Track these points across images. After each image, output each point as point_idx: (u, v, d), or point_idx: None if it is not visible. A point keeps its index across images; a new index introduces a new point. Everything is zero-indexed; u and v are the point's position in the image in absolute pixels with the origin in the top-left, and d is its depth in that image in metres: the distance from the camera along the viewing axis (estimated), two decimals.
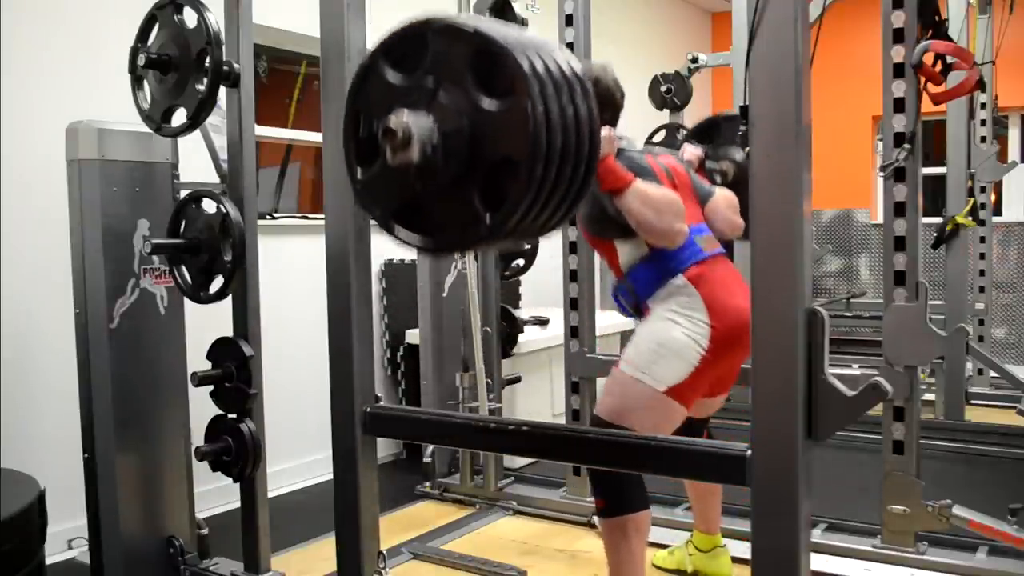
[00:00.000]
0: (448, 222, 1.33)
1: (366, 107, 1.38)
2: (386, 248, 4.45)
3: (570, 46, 3.36)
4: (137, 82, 2.50)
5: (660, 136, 5.16)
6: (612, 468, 2.13)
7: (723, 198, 2.51)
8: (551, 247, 3.56)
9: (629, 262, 2.32)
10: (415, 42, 1.32)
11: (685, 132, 3.08)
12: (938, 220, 4.40)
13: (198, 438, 2.64)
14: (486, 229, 1.28)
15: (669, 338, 2.20)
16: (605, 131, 2.11)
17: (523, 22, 3.47)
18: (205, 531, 2.83)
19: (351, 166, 1.41)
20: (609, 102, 2.35)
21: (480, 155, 1.26)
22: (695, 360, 2.18)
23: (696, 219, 2.39)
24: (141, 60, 2.43)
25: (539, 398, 4.22)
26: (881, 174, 2.82)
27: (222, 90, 2.45)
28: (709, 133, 2.92)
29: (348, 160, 1.41)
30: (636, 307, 2.36)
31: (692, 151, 2.67)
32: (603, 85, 2.34)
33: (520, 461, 3.81)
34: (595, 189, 2.19)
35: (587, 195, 2.19)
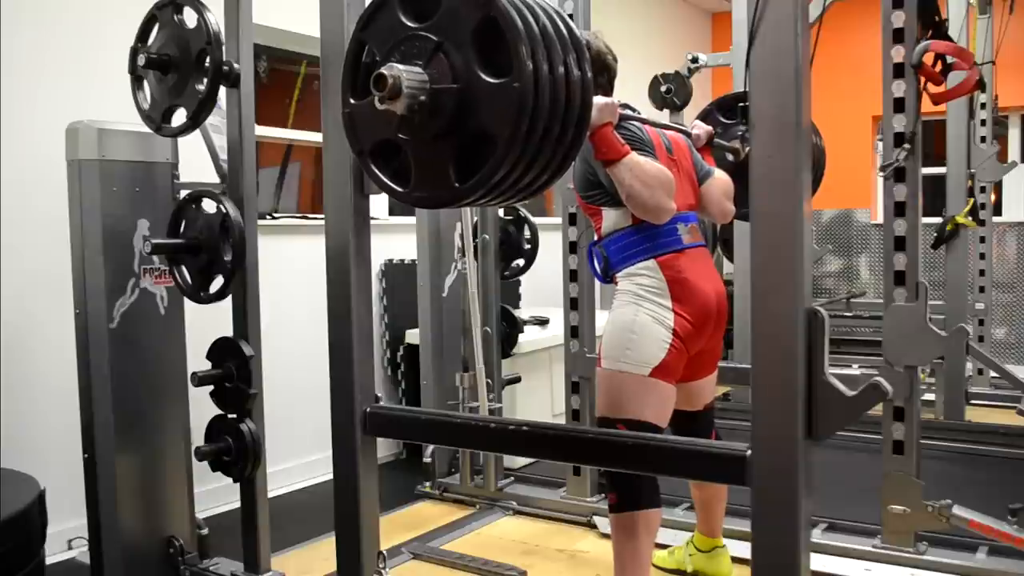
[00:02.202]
0: (420, 175, 1.36)
1: (371, 40, 1.39)
2: (386, 248, 4.48)
3: None
4: (137, 82, 2.50)
5: None
6: (611, 468, 2.13)
7: (719, 181, 2.51)
8: (551, 247, 3.56)
9: (611, 228, 2.34)
10: None
11: (716, 101, 3.05)
12: (938, 220, 4.40)
13: (198, 438, 2.64)
14: (453, 193, 1.31)
15: (636, 323, 2.24)
16: (605, 99, 2.12)
17: None
18: (205, 531, 2.83)
19: (345, 91, 1.42)
20: (603, 66, 2.38)
21: (463, 122, 1.28)
22: (666, 343, 2.22)
23: (688, 201, 2.39)
24: (141, 60, 2.43)
25: (539, 398, 4.22)
26: (881, 174, 2.82)
27: (222, 90, 2.45)
28: (735, 107, 2.91)
29: (343, 85, 1.43)
30: (606, 272, 2.38)
31: (702, 127, 2.65)
32: (594, 49, 2.36)
33: (520, 461, 3.81)
34: (590, 154, 2.20)
35: (582, 156, 2.22)
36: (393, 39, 1.35)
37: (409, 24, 1.34)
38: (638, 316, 2.24)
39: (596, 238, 2.41)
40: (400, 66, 1.28)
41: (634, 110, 2.39)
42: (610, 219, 2.34)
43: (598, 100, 2.04)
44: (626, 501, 2.25)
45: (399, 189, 1.40)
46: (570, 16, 3.35)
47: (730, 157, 2.74)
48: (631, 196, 2.19)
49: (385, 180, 1.40)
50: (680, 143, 2.49)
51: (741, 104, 2.79)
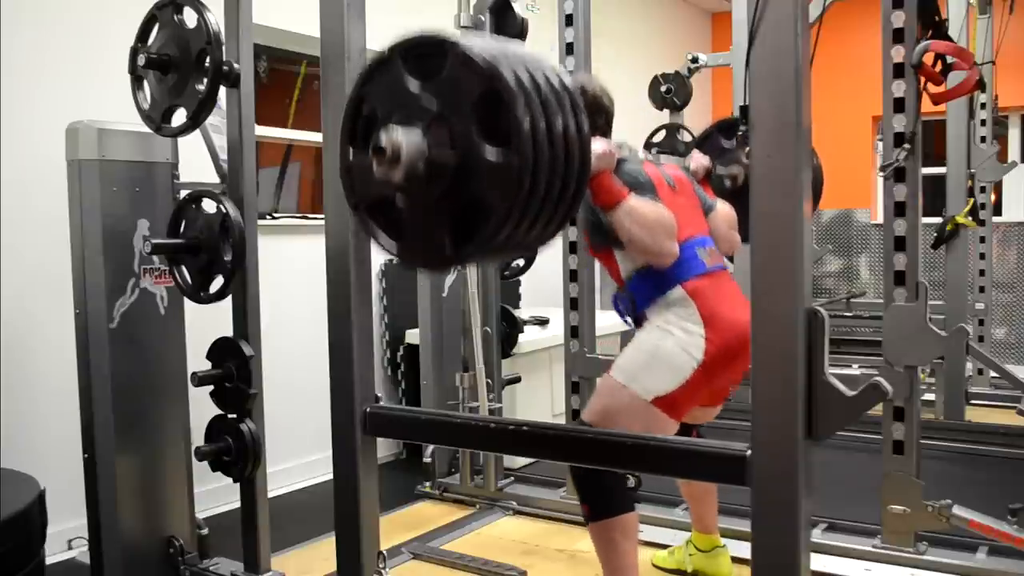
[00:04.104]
0: (416, 236, 1.35)
1: (372, 96, 1.38)
2: None
3: (570, 46, 3.37)
4: (137, 82, 2.50)
5: (660, 136, 5.16)
6: (611, 468, 2.13)
7: (722, 214, 2.51)
8: (551, 247, 3.55)
9: (629, 271, 2.32)
10: (434, 55, 1.31)
11: (693, 139, 3.06)
12: (938, 220, 4.40)
13: (198, 438, 2.64)
14: (448, 259, 1.30)
15: (662, 348, 2.19)
16: (604, 145, 2.12)
17: (523, 22, 3.47)
18: (205, 531, 2.83)
19: (343, 145, 1.41)
20: (599, 109, 2.38)
21: (460, 190, 1.27)
22: (687, 372, 2.17)
23: (700, 229, 2.38)
24: (141, 60, 2.43)
25: (539, 398, 4.22)
26: (881, 174, 2.82)
27: (222, 90, 2.45)
28: (737, 127, 2.91)
29: (342, 139, 1.42)
30: (634, 316, 2.35)
31: (699, 160, 2.66)
32: (590, 93, 2.36)
33: (520, 461, 3.81)
34: (592, 204, 2.20)
35: (587, 205, 2.21)
36: (394, 99, 1.32)
37: (410, 83, 1.32)
38: (663, 342, 2.20)
39: (617, 287, 2.39)
40: (400, 132, 1.26)
41: (631, 149, 2.40)
42: (626, 262, 2.32)
43: (595, 148, 2.04)
44: (599, 510, 2.25)
45: (394, 247, 1.38)
46: (570, 16, 3.35)
47: (727, 183, 2.74)
48: (631, 240, 2.18)
49: (381, 237, 1.38)
50: (681, 177, 2.49)
51: (740, 130, 2.80)
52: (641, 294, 2.29)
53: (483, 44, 1.28)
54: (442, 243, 1.29)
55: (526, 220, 1.27)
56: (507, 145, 1.23)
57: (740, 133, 2.78)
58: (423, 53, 1.33)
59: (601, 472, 2.21)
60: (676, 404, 2.20)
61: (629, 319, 2.40)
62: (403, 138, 1.26)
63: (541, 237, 1.36)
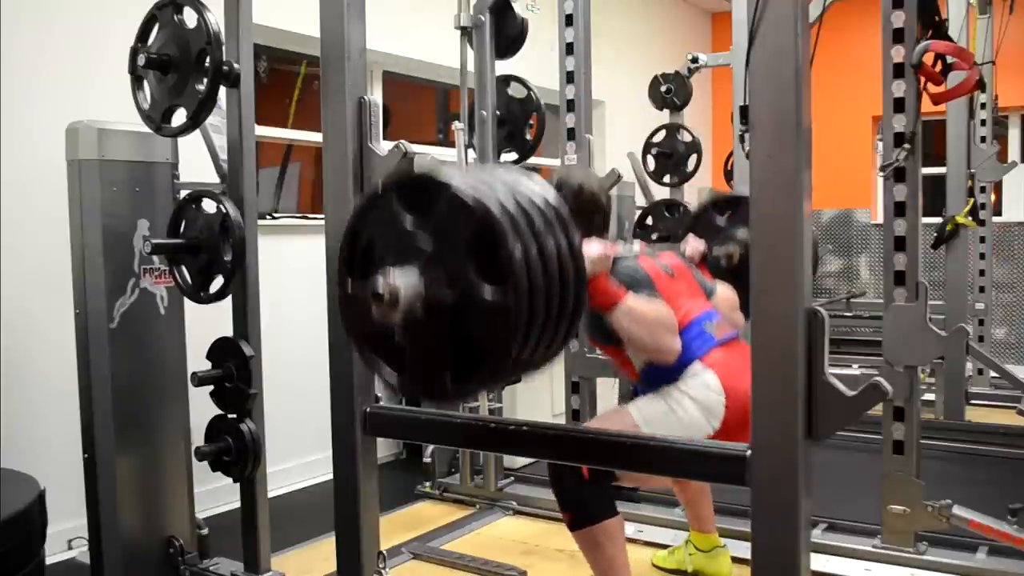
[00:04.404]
0: (416, 371, 1.35)
1: (369, 230, 1.39)
2: None
3: (570, 46, 3.37)
4: (137, 82, 2.50)
5: (660, 136, 5.16)
6: (611, 468, 2.13)
7: (723, 298, 2.52)
8: None
9: (642, 363, 2.31)
10: (426, 194, 1.32)
11: (709, 200, 3.08)
12: (938, 220, 4.40)
13: (198, 438, 2.64)
14: (449, 394, 1.31)
15: (683, 407, 2.21)
16: (599, 248, 2.14)
17: (523, 22, 3.47)
18: (205, 531, 2.83)
19: (342, 276, 1.42)
20: (597, 208, 2.41)
21: (459, 328, 1.27)
22: (699, 438, 2.18)
23: (704, 307, 2.39)
24: (141, 60, 2.43)
25: (539, 398, 4.21)
26: (881, 174, 2.82)
27: (222, 90, 2.45)
28: (730, 205, 2.91)
29: (340, 270, 1.42)
30: None
31: (694, 244, 2.67)
32: (588, 190, 2.40)
33: (520, 461, 3.81)
34: (591, 307, 2.20)
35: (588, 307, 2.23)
36: (390, 233, 1.33)
37: (405, 219, 1.32)
38: (684, 401, 2.21)
39: (633, 380, 2.40)
40: (396, 275, 1.26)
41: (627, 242, 2.40)
42: (636, 354, 2.32)
43: (590, 251, 2.07)
44: (581, 517, 2.26)
45: (395, 380, 1.38)
46: (570, 16, 3.35)
47: (723, 263, 2.75)
48: (632, 340, 2.19)
49: (384, 372, 1.38)
50: (678, 263, 2.51)
51: (741, 105, 2.80)
52: (659, 379, 2.28)
53: (471, 181, 1.28)
54: (443, 380, 1.30)
55: (527, 349, 1.28)
56: (503, 282, 1.23)
57: (730, 213, 2.83)
58: (417, 191, 1.34)
59: (580, 479, 2.23)
60: None
61: None
62: (400, 281, 1.26)
63: (544, 358, 1.36)
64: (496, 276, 1.24)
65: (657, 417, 2.21)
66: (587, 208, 2.39)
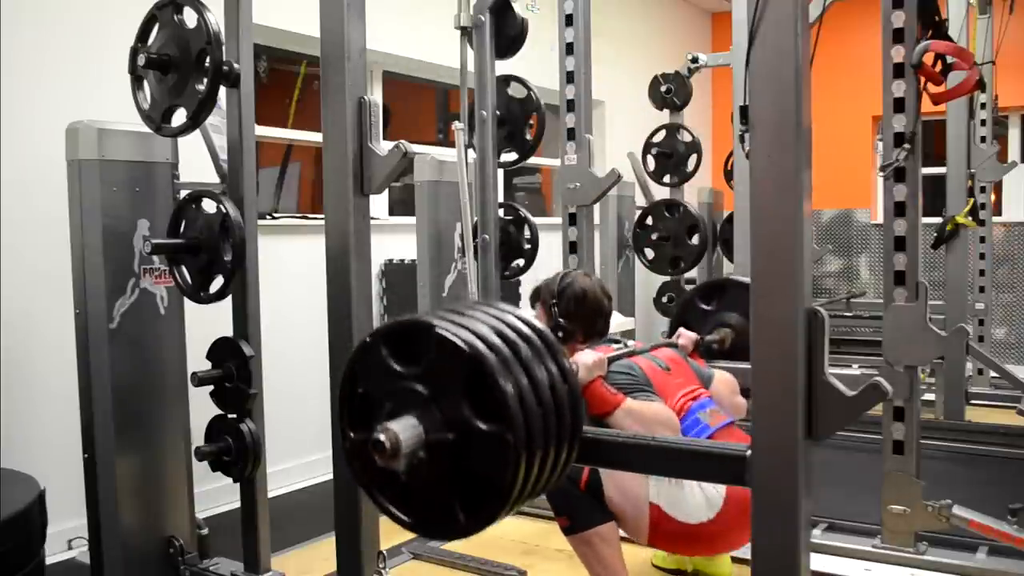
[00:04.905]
0: (428, 511, 1.36)
1: (363, 379, 1.40)
2: (386, 248, 4.47)
3: (570, 46, 3.37)
4: (137, 82, 2.50)
5: (660, 136, 5.16)
6: (611, 468, 2.13)
7: (723, 382, 2.57)
8: (551, 247, 3.56)
9: None
10: (416, 339, 1.34)
11: (692, 290, 3.13)
12: (938, 220, 4.40)
13: (198, 438, 2.64)
14: (462, 529, 1.32)
15: (688, 485, 2.24)
16: (592, 355, 2.18)
17: (523, 22, 3.47)
18: (205, 531, 2.83)
19: (343, 426, 1.43)
20: (599, 311, 2.50)
21: (462, 467, 1.29)
22: (693, 520, 2.23)
23: (700, 395, 2.42)
24: (141, 60, 2.43)
25: None
26: (881, 174, 2.82)
27: (222, 90, 2.45)
28: (715, 293, 2.96)
29: (340, 420, 1.43)
30: None
31: (687, 336, 2.71)
32: (592, 296, 2.48)
33: None
34: (590, 415, 2.23)
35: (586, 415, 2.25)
36: (384, 382, 1.35)
37: (398, 368, 1.34)
38: (691, 485, 2.24)
39: None
40: (395, 426, 1.28)
41: (619, 342, 2.47)
42: None
43: (585, 359, 2.13)
44: (576, 523, 2.28)
45: (410, 522, 1.39)
46: (570, 16, 3.35)
47: (715, 347, 2.79)
48: None
49: (397, 513, 1.40)
50: (673, 356, 2.54)
51: (741, 105, 2.80)
52: None
53: (458, 323, 1.31)
54: (454, 515, 1.32)
55: (531, 476, 1.30)
56: (499, 419, 1.26)
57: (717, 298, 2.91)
58: (403, 338, 1.36)
59: (575, 484, 2.23)
60: (660, 535, 2.27)
61: None
62: (399, 429, 1.28)
63: (551, 478, 1.37)
64: (492, 413, 1.27)
65: (668, 487, 2.26)
66: (590, 315, 2.49)
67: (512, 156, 3.65)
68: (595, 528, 2.26)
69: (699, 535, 2.26)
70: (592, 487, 2.25)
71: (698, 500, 2.24)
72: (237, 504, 2.65)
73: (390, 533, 2.77)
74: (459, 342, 1.29)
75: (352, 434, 1.42)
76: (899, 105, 2.75)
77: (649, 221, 4.97)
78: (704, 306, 2.93)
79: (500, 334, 1.33)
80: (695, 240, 4.86)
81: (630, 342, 2.56)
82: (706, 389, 2.50)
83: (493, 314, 1.37)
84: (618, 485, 2.28)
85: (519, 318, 1.39)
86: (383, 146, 1.90)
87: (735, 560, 2.73)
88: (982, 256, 5.30)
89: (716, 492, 2.24)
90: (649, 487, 2.25)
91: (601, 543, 2.26)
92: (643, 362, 2.41)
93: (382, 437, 1.27)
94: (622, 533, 2.38)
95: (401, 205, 4.90)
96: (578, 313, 2.49)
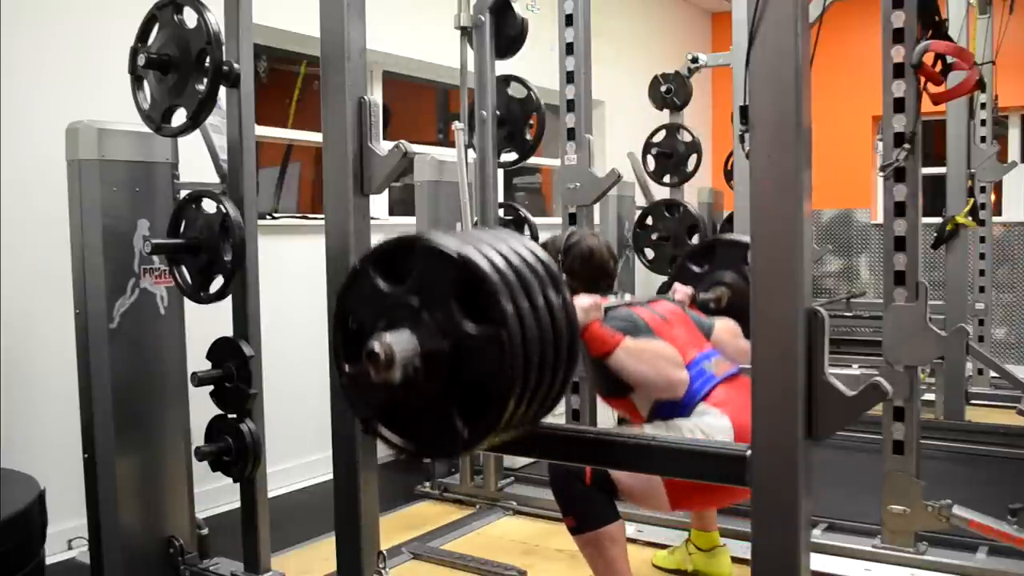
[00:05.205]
0: (428, 430, 1.37)
1: (354, 308, 1.41)
2: None
3: (570, 46, 3.37)
4: (137, 82, 2.50)
5: (660, 136, 5.16)
6: (611, 468, 2.13)
7: (724, 329, 2.54)
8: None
9: (648, 408, 2.31)
10: (404, 255, 1.35)
11: (683, 256, 3.12)
12: (938, 220, 4.40)
13: (198, 438, 2.64)
14: (465, 443, 1.32)
15: (686, 435, 2.19)
16: (589, 299, 2.15)
17: (523, 22, 3.47)
18: (205, 531, 2.83)
19: (339, 361, 1.43)
20: (604, 272, 2.48)
21: (459, 375, 1.29)
22: None
23: (703, 347, 2.40)
24: (141, 60, 2.43)
25: None
26: (881, 174, 2.82)
27: (222, 90, 2.45)
28: (706, 255, 2.94)
29: (336, 355, 1.44)
30: None
31: (682, 290, 2.70)
32: (598, 256, 2.47)
33: (520, 461, 3.81)
34: (592, 357, 2.21)
35: (590, 360, 2.24)
36: (376, 307, 1.36)
37: (388, 289, 1.35)
38: (695, 433, 2.19)
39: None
40: (388, 336, 1.28)
41: (619, 296, 2.45)
42: (643, 400, 2.31)
43: (581, 301, 2.10)
44: (584, 523, 2.26)
45: (412, 446, 1.40)
46: (570, 16, 3.35)
47: (712, 306, 2.76)
48: (639, 380, 2.20)
49: (398, 441, 1.41)
50: (672, 308, 2.52)
51: (741, 105, 2.79)
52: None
53: (444, 234, 1.33)
54: (456, 430, 1.32)
55: (529, 382, 1.30)
56: (491, 320, 1.26)
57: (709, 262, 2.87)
58: (392, 258, 1.37)
59: (582, 483, 2.23)
60: (681, 495, 2.23)
61: None
62: (393, 339, 1.28)
63: (549, 392, 1.37)
64: (484, 315, 1.27)
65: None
66: (594, 274, 2.46)
67: (512, 156, 3.65)
68: (603, 528, 2.24)
69: (716, 487, 2.16)
70: (598, 477, 2.23)
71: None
72: (237, 504, 2.65)
73: (390, 533, 2.76)
74: (446, 248, 1.29)
75: (347, 367, 1.42)
76: (899, 105, 2.75)
77: (649, 221, 4.97)
78: (696, 268, 2.90)
79: (491, 246, 1.33)
80: (695, 240, 4.87)
81: (627, 295, 2.53)
82: (707, 339, 2.47)
83: (488, 234, 1.38)
84: (619, 477, 2.24)
85: (518, 241, 1.39)
86: (383, 146, 1.90)
87: (735, 560, 2.73)
88: (982, 256, 5.30)
89: (724, 439, 2.17)
90: None
91: (610, 544, 2.25)
92: (642, 311, 2.39)
93: (376, 346, 1.28)
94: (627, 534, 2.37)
95: (401, 205, 4.90)
96: (582, 272, 2.45)
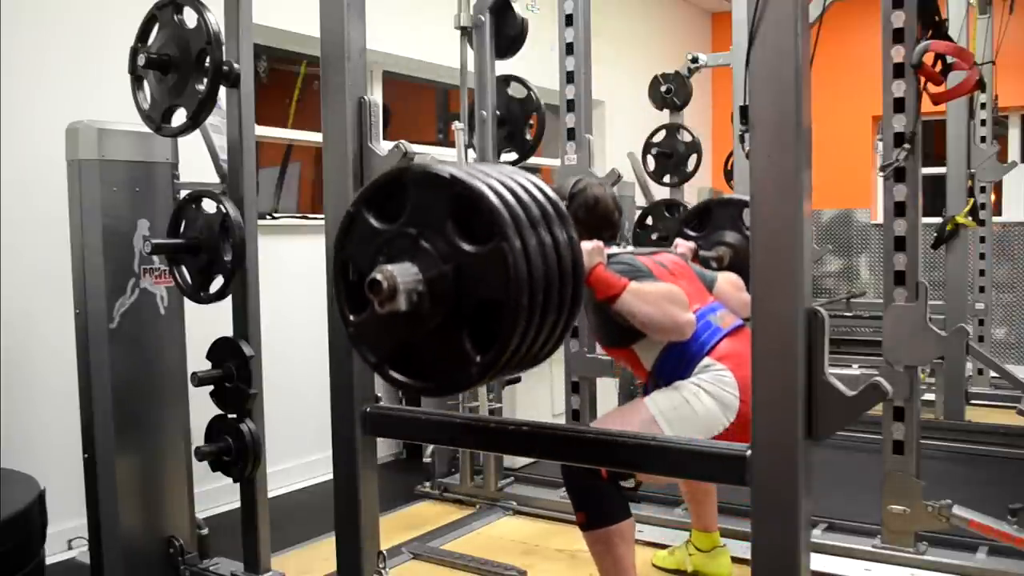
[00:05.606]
0: (440, 364, 1.36)
1: (353, 255, 1.41)
2: None
3: (570, 46, 3.37)
4: (137, 82, 2.50)
5: (660, 136, 5.16)
6: (611, 468, 2.13)
7: (727, 281, 2.53)
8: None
9: (652, 360, 2.31)
10: (396, 190, 1.34)
11: (679, 223, 3.10)
12: (938, 220, 4.40)
13: (198, 438, 2.64)
14: (478, 370, 1.31)
15: (697, 401, 2.19)
16: (591, 243, 2.14)
17: (523, 22, 3.47)
18: (205, 531, 2.83)
19: (343, 312, 1.43)
20: (608, 222, 2.44)
21: (466, 298, 1.29)
22: (715, 431, 2.17)
23: (707, 300, 2.39)
24: (141, 60, 2.43)
25: (539, 398, 4.22)
26: (881, 174, 2.82)
27: (222, 90, 2.45)
28: (702, 219, 2.93)
29: (339, 306, 1.43)
30: None
31: (684, 244, 2.69)
32: (603, 206, 2.43)
33: (520, 461, 3.81)
34: (597, 301, 2.19)
35: (593, 309, 2.22)
36: (373, 246, 1.36)
37: (384, 226, 1.35)
38: (700, 394, 2.19)
39: (644, 380, 2.39)
40: (390, 267, 1.28)
41: (623, 244, 2.43)
42: (645, 352, 2.31)
43: (584, 245, 2.05)
44: (595, 519, 2.25)
45: (425, 385, 1.40)
46: (570, 16, 3.35)
47: (714, 265, 2.75)
48: (645, 323, 2.18)
49: (411, 383, 1.40)
50: (675, 259, 2.50)
51: (741, 105, 2.79)
52: (670, 376, 2.28)
53: (435, 163, 1.34)
54: (468, 356, 1.31)
55: (537, 307, 1.29)
56: (491, 237, 1.26)
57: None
58: (384, 196, 1.37)
59: (596, 479, 2.22)
60: None
61: None
62: (395, 268, 1.29)
63: (555, 331, 1.36)
64: (484, 233, 1.26)
65: (673, 409, 2.20)
66: (598, 224, 2.43)
67: (512, 156, 3.64)
68: (615, 526, 2.23)
69: (727, 440, 2.16)
70: (612, 470, 2.22)
71: (710, 408, 2.17)
72: (237, 504, 2.65)
73: (390, 533, 2.76)
74: (436, 171, 1.29)
75: (352, 317, 1.41)
76: (899, 105, 2.75)
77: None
78: (694, 233, 2.88)
79: (486, 173, 1.33)
80: None
81: (629, 246, 2.51)
82: (710, 292, 2.45)
83: (488, 165, 1.40)
84: None
85: (517, 172, 1.38)
86: (383, 146, 1.90)
87: (735, 560, 2.73)
88: (982, 256, 5.30)
89: (729, 393, 2.16)
90: (663, 429, 2.17)
91: (619, 542, 2.24)
92: (645, 259, 2.38)
93: (379, 276, 1.27)
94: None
95: None
96: (587, 220, 2.41)
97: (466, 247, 1.28)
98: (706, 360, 2.22)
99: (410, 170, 1.33)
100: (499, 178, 1.33)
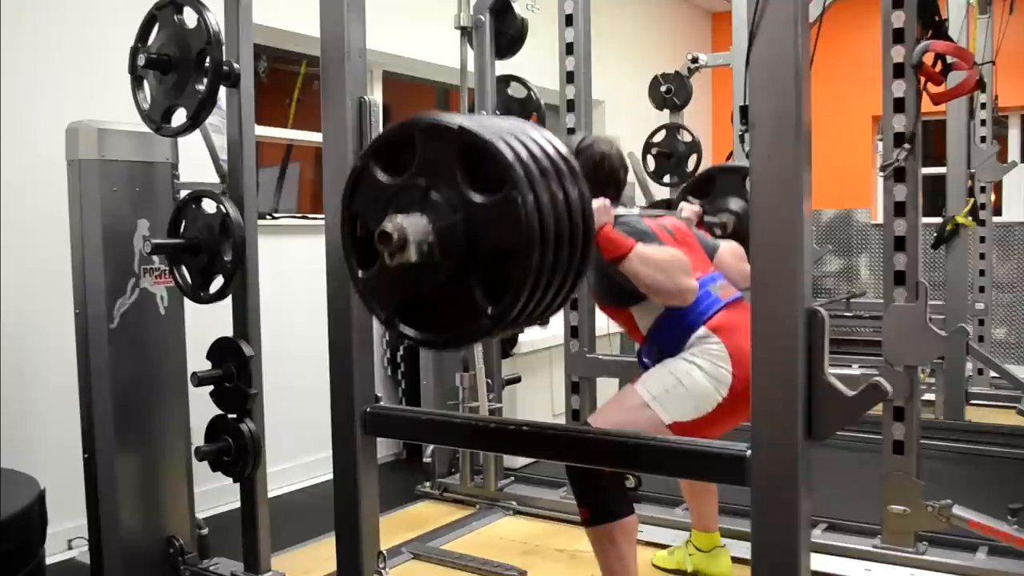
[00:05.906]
0: (451, 316, 1.35)
1: (362, 210, 1.40)
2: None
3: (570, 46, 3.37)
4: (137, 82, 2.50)
5: (660, 136, 5.16)
6: (611, 468, 2.13)
7: (728, 251, 2.52)
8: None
9: (649, 324, 2.31)
10: (403, 143, 1.33)
11: (681, 190, 3.09)
12: (938, 220, 4.40)
13: (198, 438, 2.64)
14: (489, 320, 1.29)
15: (691, 376, 2.19)
16: (599, 202, 2.11)
17: (523, 22, 3.47)
18: (205, 531, 2.83)
19: (352, 268, 1.42)
20: (613, 180, 2.41)
21: (477, 249, 1.28)
22: (710, 405, 2.17)
23: (707, 269, 2.39)
24: (141, 60, 2.43)
25: (539, 398, 4.22)
26: (881, 174, 2.82)
27: (222, 90, 2.45)
28: (705, 187, 2.93)
29: (348, 262, 1.42)
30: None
31: (689, 208, 2.67)
32: (608, 163, 2.40)
33: (520, 461, 3.81)
34: (601, 261, 2.18)
35: (594, 267, 2.21)
36: (382, 201, 1.34)
37: (392, 179, 1.34)
38: (692, 371, 2.19)
39: (640, 343, 2.38)
40: (399, 217, 1.27)
41: (624, 205, 2.41)
42: (643, 316, 2.31)
43: (593, 203, 2.05)
44: (599, 514, 2.24)
45: (436, 338, 1.38)
46: (570, 16, 3.35)
47: (718, 232, 2.75)
48: (650, 286, 2.17)
49: (421, 336, 1.39)
50: (679, 225, 2.50)
51: (741, 105, 2.79)
52: (666, 342, 2.28)
53: (443, 114, 1.31)
54: (479, 307, 1.30)
55: (547, 258, 1.27)
56: (500, 185, 1.25)
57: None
58: (392, 150, 1.35)
59: (600, 475, 2.21)
60: (691, 435, 2.17)
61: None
62: (404, 219, 1.27)
63: (565, 283, 1.34)
64: (494, 182, 1.25)
65: (666, 392, 2.19)
66: (604, 182, 2.38)
67: None
68: (618, 521, 2.23)
69: (721, 415, 2.18)
70: None
71: (702, 385, 2.16)
72: (237, 504, 2.65)
73: (390, 533, 2.77)
74: (443, 121, 1.27)
75: (361, 272, 1.40)
76: (899, 105, 2.75)
77: None
78: (698, 202, 2.85)
79: (496, 124, 1.31)
80: None
81: (635, 209, 2.49)
82: (711, 260, 2.45)
83: (498, 118, 1.39)
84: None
85: (528, 124, 1.37)
86: None
87: (735, 560, 2.73)
88: (982, 256, 5.30)
89: (722, 368, 2.16)
90: (657, 413, 2.17)
91: (622, 538, 2.24)
92: (651, 223, 2.36)
93: (388, 227, 1.26)
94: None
95: None
96: (592, 177, 2.32)
97: (477, 198, 1.26)
98: (701, 330, 2.22)
99: (417, 122, 1.31)
100: (509, 129, 1.31)
